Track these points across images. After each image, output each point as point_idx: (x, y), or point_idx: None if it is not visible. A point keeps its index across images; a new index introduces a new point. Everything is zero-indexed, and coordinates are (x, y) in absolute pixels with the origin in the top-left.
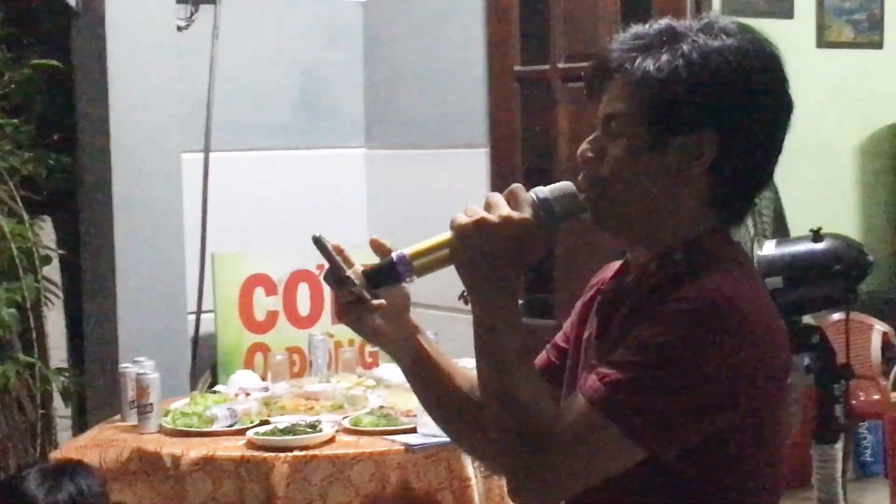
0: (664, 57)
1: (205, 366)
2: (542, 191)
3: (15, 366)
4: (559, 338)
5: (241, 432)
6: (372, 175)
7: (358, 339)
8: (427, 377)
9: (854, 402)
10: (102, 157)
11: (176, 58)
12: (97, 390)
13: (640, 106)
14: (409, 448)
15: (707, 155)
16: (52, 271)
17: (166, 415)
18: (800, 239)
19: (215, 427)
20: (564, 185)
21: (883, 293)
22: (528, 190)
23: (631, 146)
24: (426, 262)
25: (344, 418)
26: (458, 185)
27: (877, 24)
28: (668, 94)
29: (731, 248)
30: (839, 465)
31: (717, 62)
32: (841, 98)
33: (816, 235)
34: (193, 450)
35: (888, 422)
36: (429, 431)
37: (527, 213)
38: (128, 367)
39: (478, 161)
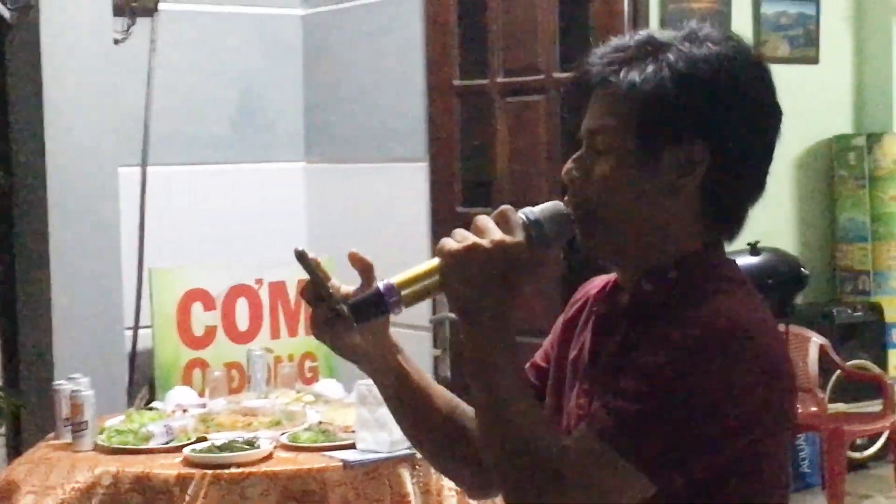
0: (650, 68)
1: (142, 382)
2: (533, 212)
3: None
4: (539, 357)
5: (178, 449)
6: (311, 189)
7: (297, 353)
8: (405, 397)
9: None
10: (37, 172)
11: (113, 71)
12: (33, 409)
13: (627, 119)
14: (347, 464)
15: (699, 168)
16: None
17: (101, 432)
18: (737, 252)
19: (151, 444)
20: (554, 206)
21: (820, 306)
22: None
23: (619, 162)
24: (415, 291)
25: (282, 434)
26: (397, 199)
27: (812, 40)
28: (656, 106)
29: (728, 264)
30: None
31: (704, 71)
32: None
33: (753, 249)
34: (129, 468)
35: (825, 433)
36: (368, 447)
37: (519, 236)
38: (62, 385)
39: (417, 175)
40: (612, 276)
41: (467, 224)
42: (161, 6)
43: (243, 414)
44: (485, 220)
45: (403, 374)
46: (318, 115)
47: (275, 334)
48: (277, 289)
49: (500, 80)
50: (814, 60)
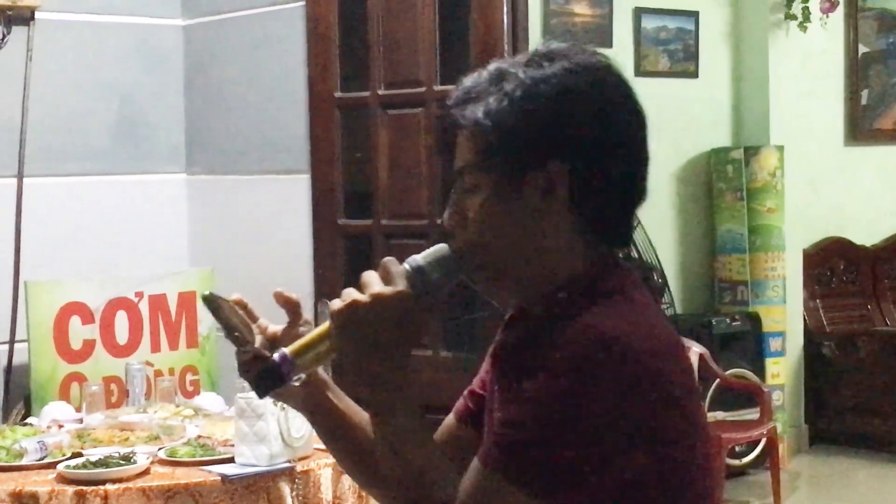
0: (491, 101)
1: (18, 397)
2: (416, 260)
3: None
4: (476, 383)
5: (52, 465)
6: (193, 201)
7: (178, 367)
8: (334, 432)
9: None
10: None
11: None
12: None
13: (480, 155)
14: (225, 478)
15: (560, 187)
16: None
17: None
18: None
19: (25, 461)
20: (438, 249)
21: (699, 316)
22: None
23: (486, 198)
24: (310, 358)
25: (159, 449)
26: (279, 211)
27: (691, 55)
28: (501, 138)
29: (617, 275)
30: None
31: (542, 92)
32: (657, 126)
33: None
34: (1, 484)
35: None
36: (246, 461)
37: (400, 285)
38: None
39: (299, 187)
40: None
41: (348, 235)
42: (38, 15)
43: (120, 429)
44: (368, 276)
45: (329, 408)
46: (199, 127)
47: (155, 348)
48: (158, 302)
49: (381, 92)
50: (693, 74)
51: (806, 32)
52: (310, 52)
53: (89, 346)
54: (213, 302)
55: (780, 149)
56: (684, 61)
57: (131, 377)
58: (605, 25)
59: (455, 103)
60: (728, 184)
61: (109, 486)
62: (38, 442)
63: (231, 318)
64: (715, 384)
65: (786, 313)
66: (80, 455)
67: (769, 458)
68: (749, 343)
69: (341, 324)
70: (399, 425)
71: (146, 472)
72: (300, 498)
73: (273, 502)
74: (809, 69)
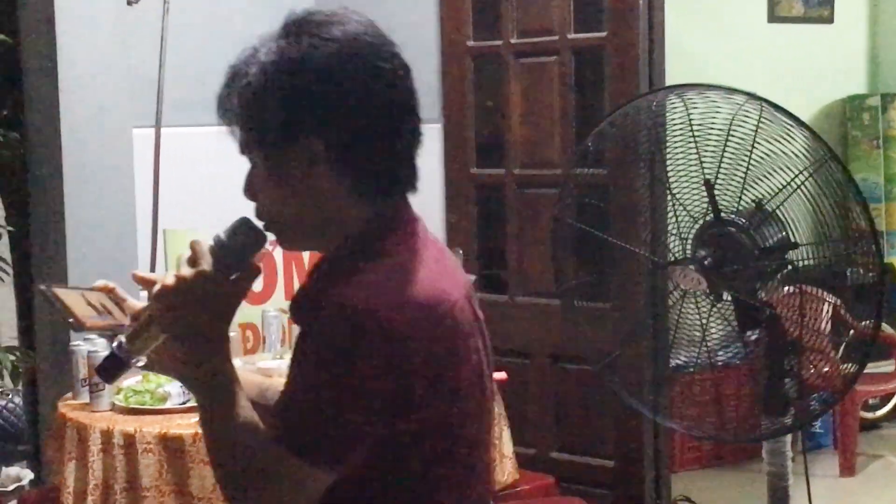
0: (241, 86)
1: None
2: (219, 235)
3: None
4: None
5: (195, 409)
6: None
7: None
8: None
9: (804, 375)
10: (52, 133)
11: (126, 33)
12: (48, 368)
13: (243, 137)
14: None
15: (320, 156)
16: (3, 248)
17: (118, 392)
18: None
19: (168, 404)
20: (239, 222)
21: (832, 266)
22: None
23: (261, 171)
24: (143, 341)
25: None
26: None
27: (827, 0)
28: (254, 118)
29: (397, 233)
30: (788, 438)
31: (287, 70)
32: (790, 73)
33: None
34: (146, 427)
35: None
36: None
37: (205, 265)
38: (79, 345)
39: (431, 136)
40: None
41: (481, 185)
42: None
43: (259, 374)
44: (179, 259)
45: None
46: None
47: (289, 295)
48: None
49: (513, 40)
50: (828, 20)
51: None
52: (442, 1)
53: None
54: (43, 295)
55: None
56: (819, 6)
57: (267, 324)
58: None
59: (223, 92)
60: (864, 132)
61: None
62: (181, 386)
63: (68, 308)
64: (849, 336)
65: None
66: None
67: None
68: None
69: (159, 306)
70: (215, 403)
71: None
72: None
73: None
74: None
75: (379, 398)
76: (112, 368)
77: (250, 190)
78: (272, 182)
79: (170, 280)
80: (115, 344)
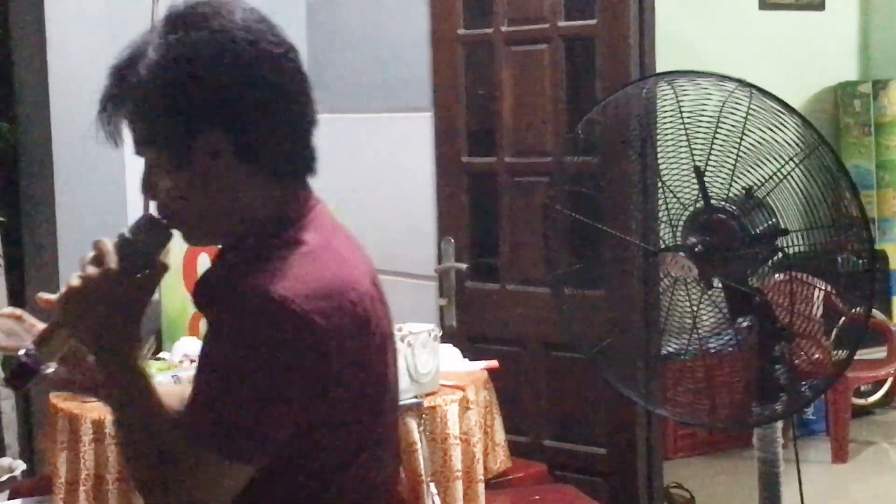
0: (132, 84)
1: (149, 332)
2: (123, 232)
3: None
4: None
5: None
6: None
7: None
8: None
9: (796, 361)
10: (42, 123)
11: (116, 23)
12: None
13: (139, 135)
14: None
15: (220, 147)
16: None
17: None
18: None
19: None
20: (143, 218)
21: (825, 253)
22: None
23: (161, 168)
24: (52, 346)
25: None
26: (402, 149)
27: None
28: (146, 120)
29: (303, 219)
30: (779, 425)
31: (162, 70)
32: (782, 59)
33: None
34: None
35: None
36: None
37: (111, 263)
38: None
39: (422, 124)
40: None
41: (472, 173)
42: None
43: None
44: (81, 260)
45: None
46: (321, 66)
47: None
48: None
49: (504, 28)
50: (819, 7)
51: None
52: None
53: None
54: None
55: None
56: None
57: None
58: None
59: (114, 85)
60: (855, 118)
61: None
62: (173, 376)
63: None
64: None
65: None
66: None
67: None
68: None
69: (65, 308)
70: (128, 403)
71: None
72: (427, 433)
73: (400, 437)
74: None
75: (294, 387)
76: (22, 376)
77: (150, 188)
78: (174, 177)
79: (75, 281)
80: (21, 351)
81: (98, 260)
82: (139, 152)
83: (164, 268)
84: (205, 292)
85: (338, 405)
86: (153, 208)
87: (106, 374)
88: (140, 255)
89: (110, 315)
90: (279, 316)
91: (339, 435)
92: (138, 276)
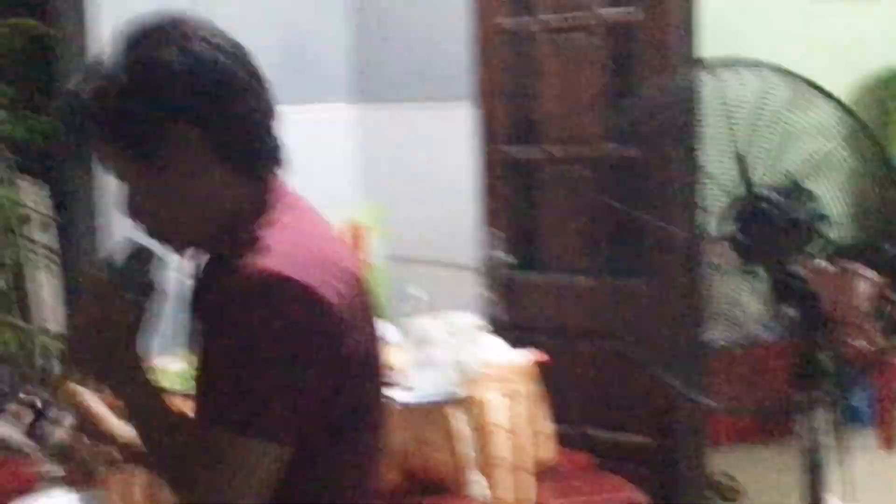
0: (104, 105)
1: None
2: (110, 260)
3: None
4: None
5: None
6: (358, 130)
7: None
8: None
9: (842, 349)
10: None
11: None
12: None
13: (105, 147)
14: (402, 405)
15: (196, 147)
16: (51, 236)
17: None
18: None
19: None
20: (125, 244)
21: (873, 241)
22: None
23: (132, 179)
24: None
25: None
26: (445, 139)
27: None
28: (122, 137)
29: (275, 204)
30: (823, 412)
31: (133, 88)
32: (830, 48)
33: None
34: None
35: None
36: (423, 389)
37: (102, 295)
38: None
39: (464, 115)
40: None
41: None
42: None
43: None
44: (77, 300)
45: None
46: (363, 57)
47: None
48: None
49: (545, 17)
50: None
51: None
52: None
53: None
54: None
55: None
56: None
57: None
58: None
59: (78, 111)
60: None
61: None
62: None
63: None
64: (888, 311)
65: None
66: None
67: None
68: None
69: (70, 349)
70: (147, 422)
71: None
72: (476, 426)
73: (449, 430)
74: None
75: (309, 363)
76: (41, 427)
77: (134, 210)
78: (157, 189)
79: (77, 322)
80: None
81: (89, 297)
82: (112, 170)
83: (152, 287)
84: (200, 297)
85: (348, 370)
86: (135, 232)
87: (123, 398)
88: (125, 279)
89: (111, 346)
90: (278, 290)
91: (347, 402)
92: (130, 299)
